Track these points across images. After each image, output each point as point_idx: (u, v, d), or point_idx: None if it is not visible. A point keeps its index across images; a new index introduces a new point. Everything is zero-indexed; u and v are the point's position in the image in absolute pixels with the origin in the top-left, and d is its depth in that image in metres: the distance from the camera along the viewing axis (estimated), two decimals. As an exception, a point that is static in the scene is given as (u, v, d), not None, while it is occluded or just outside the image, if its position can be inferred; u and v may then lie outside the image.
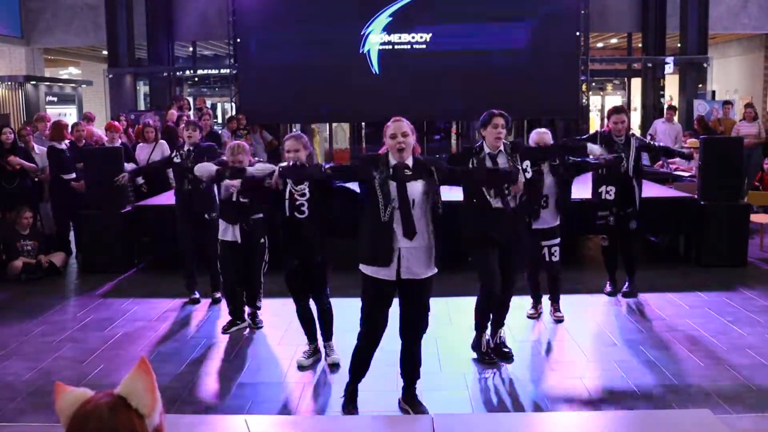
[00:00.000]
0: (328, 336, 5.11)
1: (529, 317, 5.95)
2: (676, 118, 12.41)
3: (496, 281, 4.79)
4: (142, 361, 1.28)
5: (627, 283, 6.54)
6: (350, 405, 4.21)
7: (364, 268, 3.99)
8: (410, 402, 4.21)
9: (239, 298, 5.87)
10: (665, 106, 14.13)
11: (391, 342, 5.26)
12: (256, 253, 5.71)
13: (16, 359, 5.25)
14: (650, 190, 8.74)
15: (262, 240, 5.71)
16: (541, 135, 5.73)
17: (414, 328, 4.13)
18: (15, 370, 5.04)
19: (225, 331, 5.77)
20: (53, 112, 13.41)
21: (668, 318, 5.95)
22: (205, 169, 5.59)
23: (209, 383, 4.83)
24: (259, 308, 5.94)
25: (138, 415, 1.25)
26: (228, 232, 5.61)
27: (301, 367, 4.97)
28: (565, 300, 6.02)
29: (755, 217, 8.47)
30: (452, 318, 5.92)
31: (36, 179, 8.53)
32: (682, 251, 8.19)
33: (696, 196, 7.93)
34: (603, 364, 4.98)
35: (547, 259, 5.75)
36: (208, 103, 17.17)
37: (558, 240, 5.73)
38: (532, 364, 5.06)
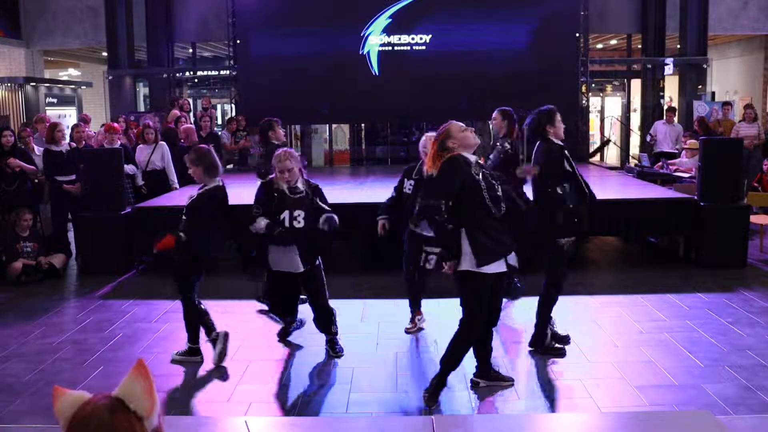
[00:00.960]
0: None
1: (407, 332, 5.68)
2: (676, 119, 12.42)
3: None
4: (139, 364, 1.28)
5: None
6: (435, 398, 4.31)
7: (487, 268, 4.17)
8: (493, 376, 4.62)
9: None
10: (665, 108, 14.13)
11: (393, 344, 5.26)
12: (315, 277, 5.20)
13: (16, 361, 5.25)
14: (650, 191, 8.76)
15: (318, 262, 5.22)
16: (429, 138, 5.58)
17: (498, 315, 4.51)
18: (15, 371, 5.04)
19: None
20: (53, 113, 13.41)
21: (668, 319, 5.96)
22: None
23: (209, 384, 4.83)
24: (335, 333, 5.33)
25: (137, 417, 1.25)
26: (282, 262, 5.09)
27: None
28: (565, 301, 6.00)
29: (755, 218, 8.47)
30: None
31: (36, 181, 8.54)
32: (682, 252, 8.20)
33: (696, 197, 7.93)
34: (603, 364, 4.98)
35: (422, 263, 5.31)
36: (208, 104, 17.10)
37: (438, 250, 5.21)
38: (531, 365, 5.06)
